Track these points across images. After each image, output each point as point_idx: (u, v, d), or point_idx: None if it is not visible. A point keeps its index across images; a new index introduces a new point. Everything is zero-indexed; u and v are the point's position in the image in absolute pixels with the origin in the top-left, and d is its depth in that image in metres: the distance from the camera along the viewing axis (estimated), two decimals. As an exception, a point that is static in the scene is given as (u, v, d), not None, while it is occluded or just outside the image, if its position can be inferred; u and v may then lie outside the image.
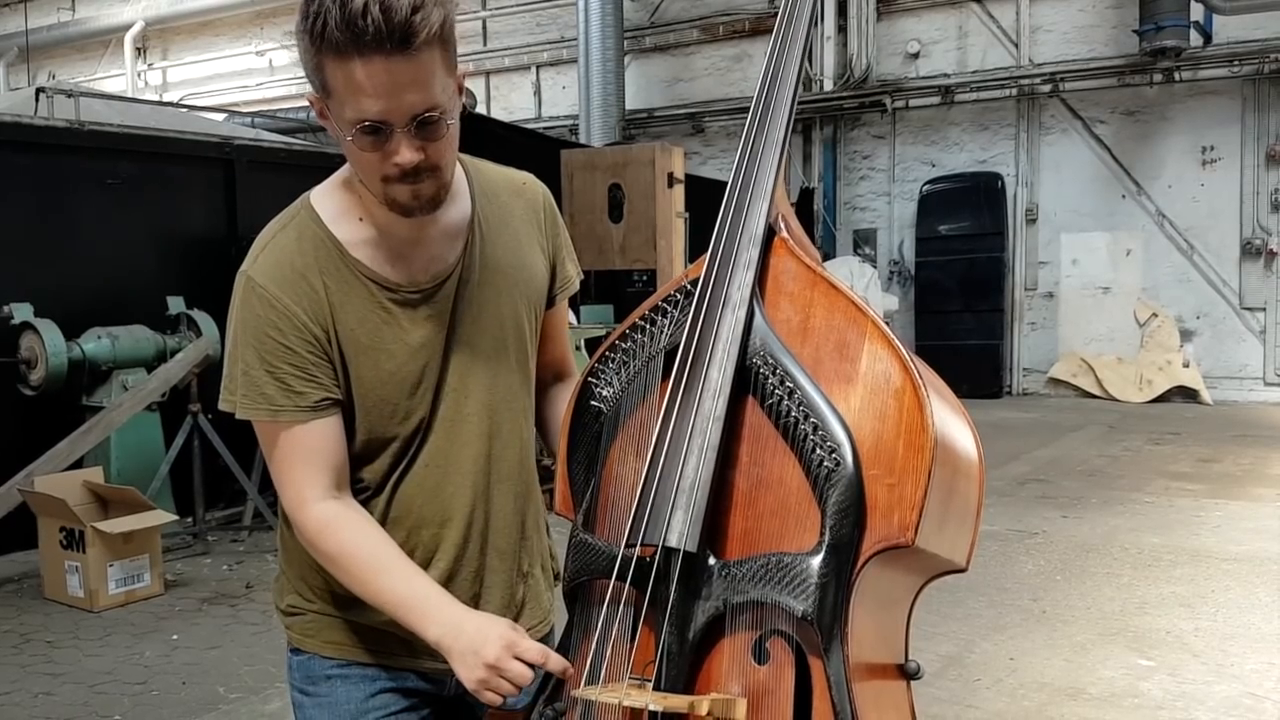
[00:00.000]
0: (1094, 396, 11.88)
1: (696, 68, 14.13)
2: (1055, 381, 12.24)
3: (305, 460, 1.41)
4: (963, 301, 12.25)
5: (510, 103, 15.69)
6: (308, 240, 1.43)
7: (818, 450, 1.28)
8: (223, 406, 1.44)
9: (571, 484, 1.44)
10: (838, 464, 1.26)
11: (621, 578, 1.29)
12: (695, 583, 1.27)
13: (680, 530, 1.26)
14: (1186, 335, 11.68)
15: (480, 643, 1.33)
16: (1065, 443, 9.12)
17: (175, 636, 4.54)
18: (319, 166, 7.14)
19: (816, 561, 1.24)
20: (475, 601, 1.51)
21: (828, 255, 12.98)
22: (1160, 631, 4.38)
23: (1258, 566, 5.27)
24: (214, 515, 6.21)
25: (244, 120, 9.90)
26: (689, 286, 1.44)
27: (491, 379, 1.51)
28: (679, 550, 1.26)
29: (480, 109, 15.35)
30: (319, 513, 1.41)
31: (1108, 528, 6.08)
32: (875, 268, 12.49)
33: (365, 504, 1.47)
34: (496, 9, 15.62)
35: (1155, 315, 11.77)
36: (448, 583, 1.48)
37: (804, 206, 13.24)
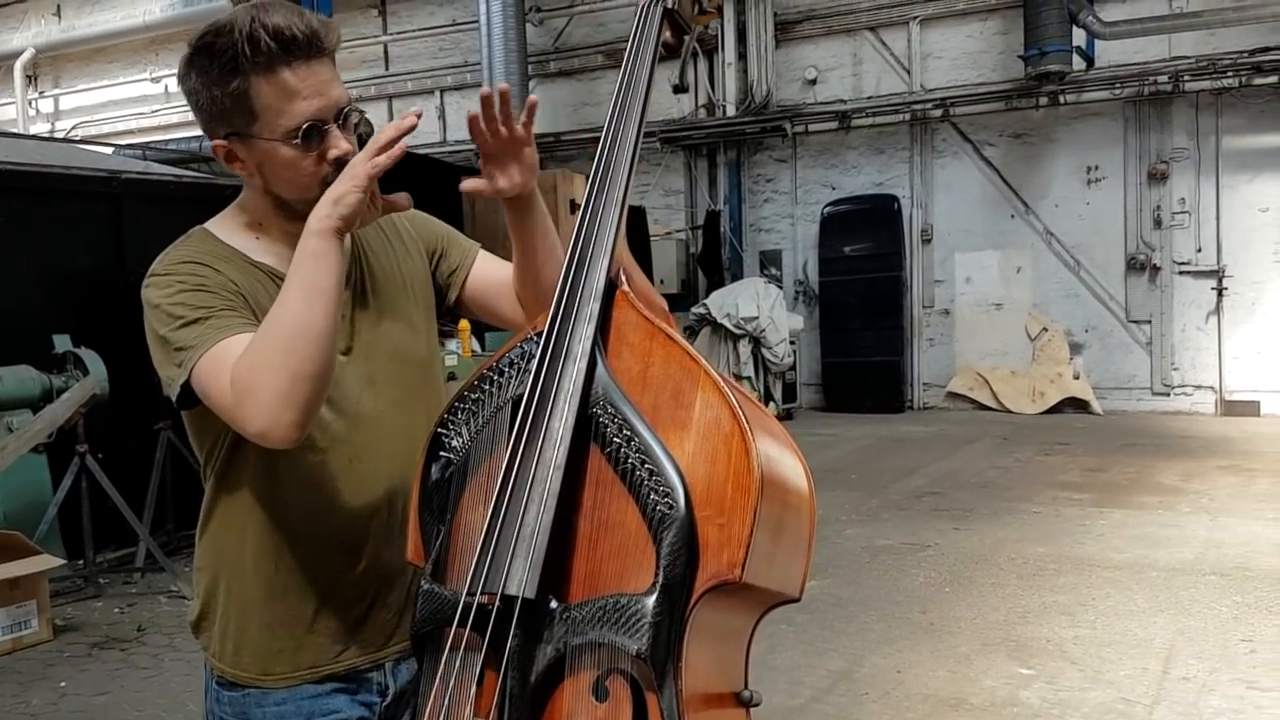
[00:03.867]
0: (990, 409, 12.26)
1: (602, 92, 14.26)
2: (953, 395, 12.60)
3: None
4: (865, 319, 12.54)
5: (415, 127, 15.62)
6: (208, 248, 1.53)
7: (653, 495, 1.34)
8: (179, 378, 1.42)
9: (423, 533, 1.48)
10: (671, 507, 1.33)
11: (463, 625, 1.34)
12: (536, 627, 1.33)
13: (520, 578, 1.32)
14: (1076, 348, 12.13)
15: (342, 179, 1.40)
16: (960, 455, 9.40)
17: (63, 684, 4.44)
18: (209, 198, 7.06)
19: (651, 601, 1.30)
20: (375, 594, 1.61)
21: (735, 276, 13.19)
22: (1041, 640, 4.56)
23: (1137, 574, 5.50)
24: (105, 557, 6.07)
25: (134, 153, 9.72)
26: (536, 336, 1.50)
27: (396, 378, 1.62)
28: (518, 597, 1.32)
29: (383, 134, 15.26)
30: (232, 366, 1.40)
31: (996, 538, 6.30)
32: (781, 288, 12.73)
33: (292, 498, 1.54)
34: (398, 34, 15.57)
35: (1045, 329, 12.21)
36: (379, 571, 1.59)
37: (711, 228, 13.44)
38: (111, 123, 17.14)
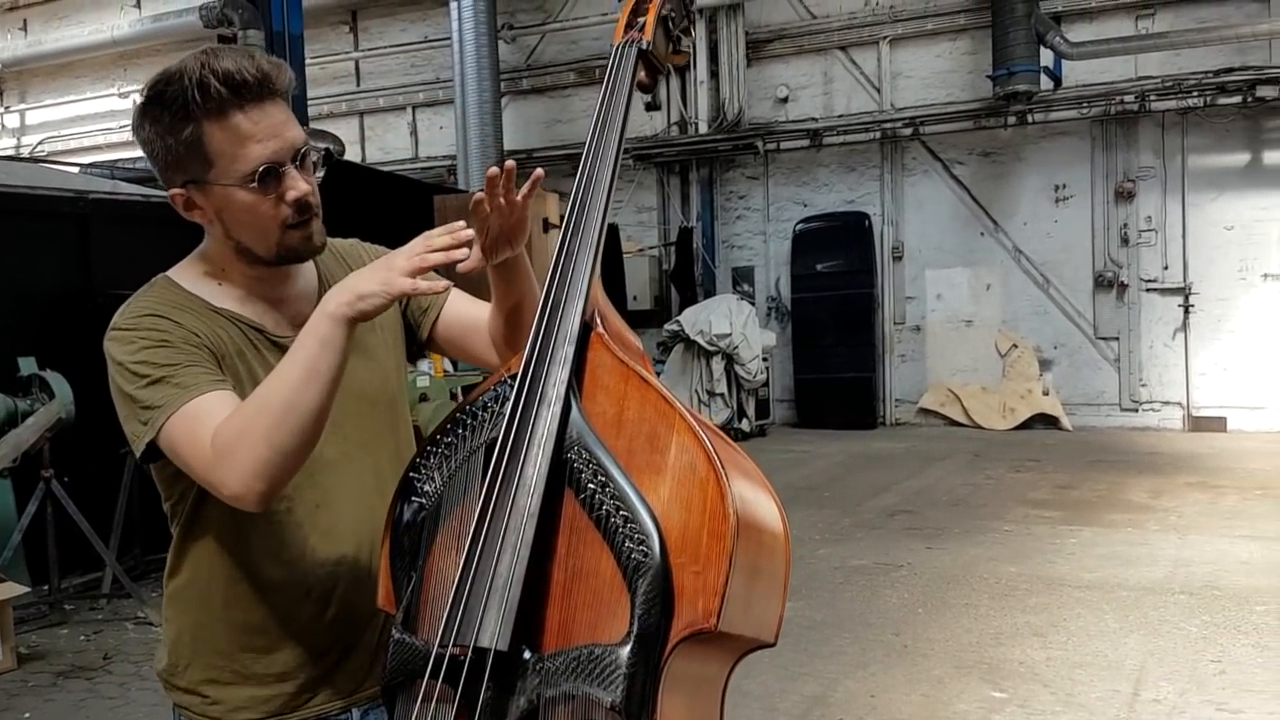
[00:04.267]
0: (961, 425, 12.33)
1: (575, 110, 14.28)
2: (925, 411, 12.67)
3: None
4: (837, 336, 12.58)
5: (386, 143, 15.60)
6: (168, 296, 1.52)
7: (628, 542, 1.33)
8: (145, 436, 1.41)
9: (394, 580, 1.46)
10: (646, 555, 1.31)
11: (435, 677, 1.32)
12: (509, 679, 1.31)
13: (492, 630, 1.30)
14: (1045, 364, 12.23)
15: (388, 259, 1.39)
16: (932, 472, 9.44)
17: (27, 715, 4.37)
18: (177, 219, 6.98)
19: (625, 652, 1.29)
20: (347, 641, 1.59)
21: (708, 292, 13.22)
22: (1013, 662, 4.57)
23: (1107, 593, 5.54)
24: (70, 583, 5.98)
25: (101, 171, 9.62)
26: (510, 380, 1.49)
27: (363, 419, 1.60)
28: (490, 650, 1.30)
29: (355, 149, 15.23)
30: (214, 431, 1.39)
31: (968, 558, 6.32)
32: (754, 304, 12.77)
33: (260, 546, 1.52)
34: (369, 50, 15.53)
35: (1015, 346, 12.31)
36: (349, 615, 1.58)
37: (683, 245, 13.48)
38: (79, 138, 16.99)
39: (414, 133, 15.43)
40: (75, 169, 9.47)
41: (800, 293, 12.91)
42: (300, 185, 1.47)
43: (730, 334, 11.57)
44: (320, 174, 1.54)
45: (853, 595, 5.61)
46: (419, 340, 1.76)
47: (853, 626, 5.09)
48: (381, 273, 1.38)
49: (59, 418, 5.42)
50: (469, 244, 1.40)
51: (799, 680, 4.34)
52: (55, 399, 5.51)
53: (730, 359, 11.68)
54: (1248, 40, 10.90)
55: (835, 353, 12.55)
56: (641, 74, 1.70)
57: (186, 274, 1.57)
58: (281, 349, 1.54)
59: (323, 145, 1.63)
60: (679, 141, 13.41)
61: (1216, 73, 11.17)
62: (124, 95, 16.77)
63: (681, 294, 13.40)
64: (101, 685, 4.68)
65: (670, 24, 1.78)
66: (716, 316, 11.73)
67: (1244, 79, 11.02)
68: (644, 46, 1.67)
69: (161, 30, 14.95)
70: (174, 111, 1.42)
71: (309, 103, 12.27)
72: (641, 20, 1.72)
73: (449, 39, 13.21)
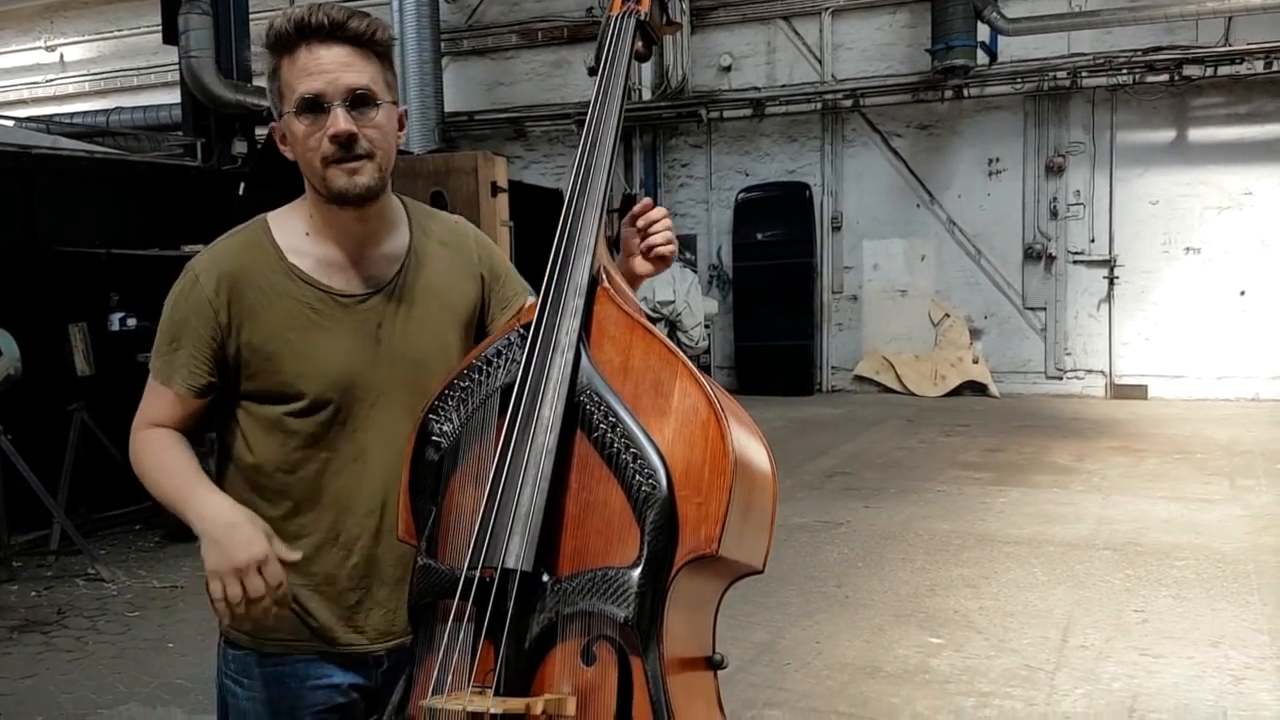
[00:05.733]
0: (895, 392, 12.66)
1: (517, 72, 14.23)
2: (860, 379, 12.98)
3: (167, 417, 1.66)
4: (777, 304, 12.80)
5: (324, 103, 15.35)
6: (249, 245, 1.65)
7: (637, 476, 1.46)
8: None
9: (414, 513, 1.58)
10: (654, 488, 1.45)
11: (464, 597, 1.44)
12: (531, 598, 1.44)
13: (517, 552, 1.43)
14: (975, 333, 12.60)
15: (238, 548, 1.50)
16: (868, 436, 9.72)
17: (-16, 668, 4.37)
18: (122, 175, 6.90)
19: (636, 574, 1.43)
20: (366, 587, 1.70)
21: (648, 259, 13.30)
22: (949, 611, 4.81)
23: (1035, 548, 5.82)
24: (19, 539, 5.95)
25: (38, 126, 9.38)
26: (521, 330, 1.60)
27: (415, 387, 1.68)
28: (516, 570, 1.43)
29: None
30: (147, 432, 1.67)
31: (904, 516, 6.57)
32: (696, 272, 12.92)
33: (295, 489, 1.67)
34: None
35: (947, 315, 12.65)
36: (369, 565, 1.69)
37: (627, 212, 13.49)
38: (4, 91, 16.48)
39: (353, 94, 15.23)
40: (10, 123, 9.23)
41: (742, 261, 13.09)
42: (339, 124, 1.55)
43: (674, 301, 11.71)
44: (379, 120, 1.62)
45: (796, 551, 5.82)
46: (485, 324, 1.83)
47: (797, 580, 5.29)
48: (240, 559, 1.50)
49: (7, 374, 5.37)
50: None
51: (748, 629, 4.53)
52: (3, 356, 5.45)
53: (673, 326, 11.83)
54: (1176, 20, 11.26)
55: (775, 321, 12.77)
56: (638, 44, 1.81)
57: (282, 221, 1.69)
58: (344, 306, 1.65)
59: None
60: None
61: (1145, 51, 11.53)
62: (51, 48, 16.30)
63: (624, 260, 13.48)
64: (58, 639, 4.69)
65: (664, -4, 1.89)
66: (660, 284, 11.85)
67: (1171, 58, 11.39)
68: (641, 17, 1.78)
69: (90, -19, 14.53)
70: (270, 54, 1.61)
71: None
72: (638, -9, 1.83)
73: (388, -2, 13.04)
